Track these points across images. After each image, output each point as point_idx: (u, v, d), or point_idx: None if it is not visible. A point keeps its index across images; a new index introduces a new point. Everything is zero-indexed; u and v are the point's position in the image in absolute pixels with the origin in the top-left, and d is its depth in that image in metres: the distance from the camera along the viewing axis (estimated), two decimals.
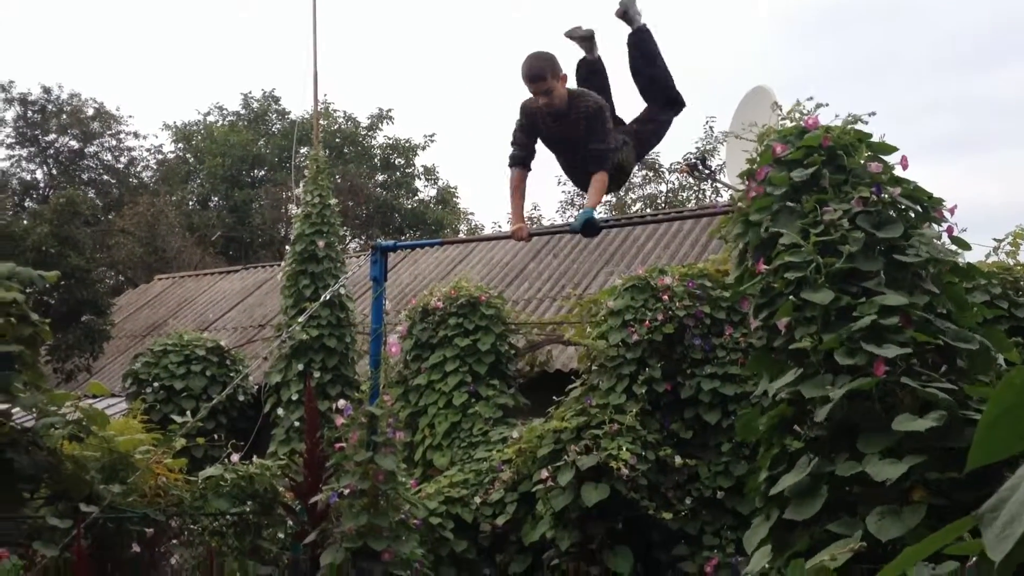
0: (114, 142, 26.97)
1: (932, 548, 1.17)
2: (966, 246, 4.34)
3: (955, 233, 4.32)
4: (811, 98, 4.85)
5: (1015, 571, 1.02)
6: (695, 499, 6.81)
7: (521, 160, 5.75)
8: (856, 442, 3.59)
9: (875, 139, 4.51)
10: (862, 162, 4.38)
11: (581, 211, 5.71)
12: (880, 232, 4.07)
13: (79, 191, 20.96)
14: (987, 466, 1.10)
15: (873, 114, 4.64)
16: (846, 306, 3.89)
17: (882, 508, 3.27)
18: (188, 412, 6.77)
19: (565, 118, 5.50)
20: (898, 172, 4.36)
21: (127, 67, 50.13)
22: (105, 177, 27.20)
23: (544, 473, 6.65)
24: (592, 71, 5.97)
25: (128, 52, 50.45)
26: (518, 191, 5.83)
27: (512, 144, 5.79)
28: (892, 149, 4.46)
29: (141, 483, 5.48)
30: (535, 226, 24.92)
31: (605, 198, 10.88)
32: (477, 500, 7.24)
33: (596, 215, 5.71)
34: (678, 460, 6.78)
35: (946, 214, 4.33)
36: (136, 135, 28.08)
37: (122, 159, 27.33)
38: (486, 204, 54.32)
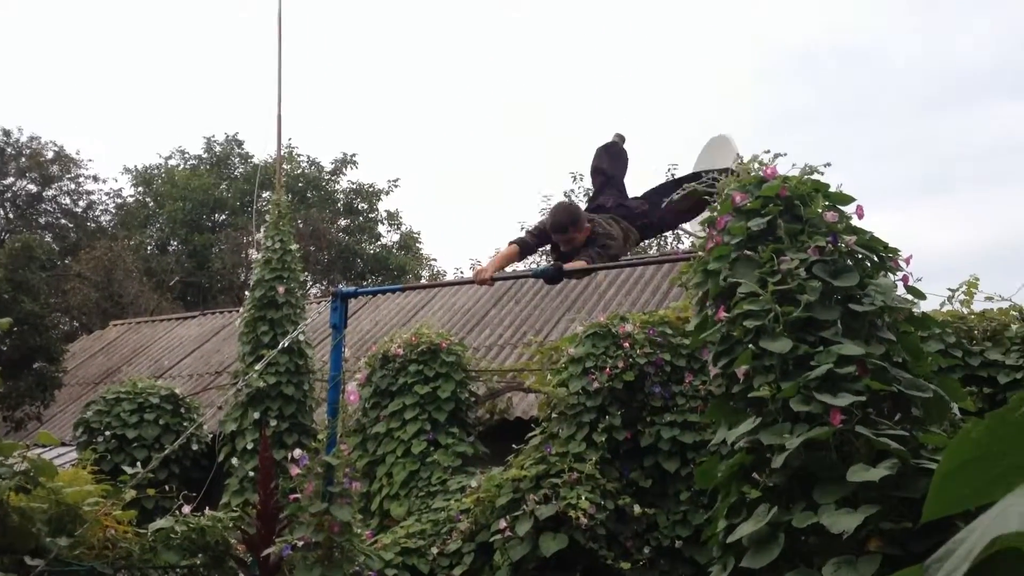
0: (73, 186, 26.76)
1: None
2: (921, 295, 4.37)
3: (910, 282, 4.36)
4: (768, 151, 4.92)
5: None
6: (653, 548, 6.76)
7: (524, 246, 6.33)
8: (813, 492, 3.58)
9: (833, 188, 4.55)
10: (819, 211, 4.42)
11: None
12: (836, 281, 4.10)
13: (36, 235, 20.72)
14: (942, 517, 1.09)
15: (828, 165, 4.71)
16: (804, 355, 3.90)
17: (838, 559, 3.25)
18: (139, 462, 6.64)
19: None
20: (855, 222, 4.41)
21: (88, 110, 49.99)
22: (63, 221, 26.96)
23: (502, 523, 6.58)
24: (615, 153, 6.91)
25: (89, 95, 50.30)
26: (504, 258, 6.32)
27: (526, 230, 6.48)
28: (849, 199, 4.50)
29: (89, 536, 5.33)
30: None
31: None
32: (434, 551, 7.13)
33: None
34: (637, 509, 6.74)
35: (901, 263, 4.37)
36: (96, 179, 27.83)
37: (81, 203, 27.13)
38: (448, 250, 54.41)
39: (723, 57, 48.85)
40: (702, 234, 4.78)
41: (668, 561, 6.75)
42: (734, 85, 49.30)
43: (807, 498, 3.60)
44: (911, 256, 4.38)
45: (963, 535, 1.01)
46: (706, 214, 4.86)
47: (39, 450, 6.04)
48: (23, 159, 25.95)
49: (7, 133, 25.89)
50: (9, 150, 26.00)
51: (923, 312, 4.36)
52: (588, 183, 27.43)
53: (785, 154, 5.09)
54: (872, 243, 4.34)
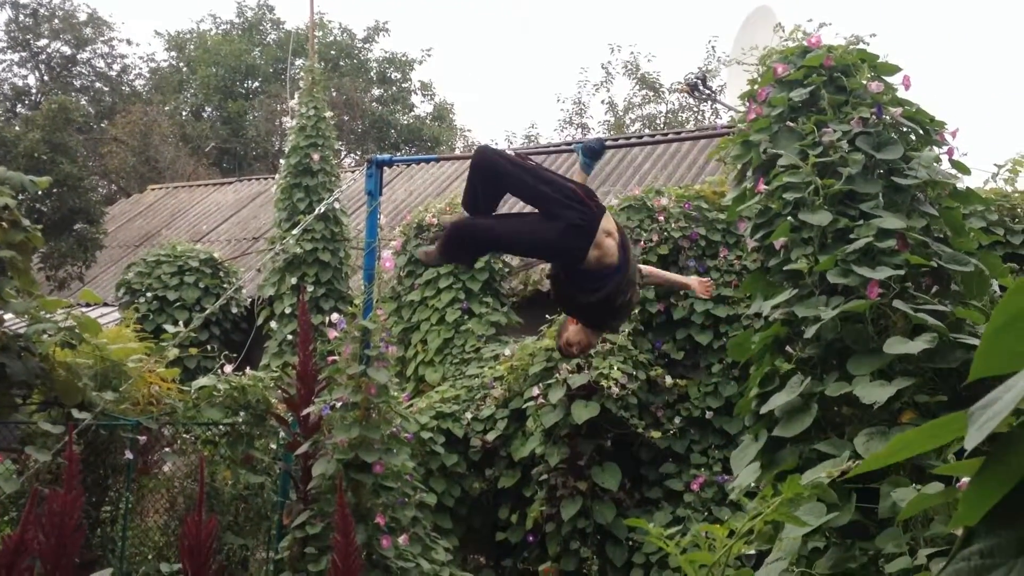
0: (106, 49, 26.56)
1: (924, 438, 1.15)
2: (966, 170, 4.28)
3: (955, 156, 4.27)
4: (811, 20, 4.77)
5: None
6: (684, 418, 6.88)
7: None
8: (847, 363, 3.60)
9: (879, 60, 4.42)
10: (864, 82, 4.31)
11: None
12: (879, 154, 4.03)
13: (71, 98, 20.66)
14: (977, 389, 1.07)
15: (874, 35, 4.56)
16: (844, 228, 3.87)
17: (870, 430, 3.29)
18: (181, 323, 6.76)
19: None
20: (901, 93, 4.30)
21: None
22: (98, 84, 26.85)
23: (535, 390, 6.70)
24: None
25: None
26: None
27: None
28: (895, 69, 4.38)
29: (134, 391, 5.50)
30: (532, 144, 24.67)
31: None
32: (468, 415, 7.30)
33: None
34: (668, 380, 6.83)
35: (947, 137, 4.28)
36: (129, 42, 27.62)
37: (115, 66, 26.97)
38: (483, 121, 53.78)
39: None
40: (742, 108, 4.68)
41: (698, 431, 6.88)
42: None
43: (841, 371, 3.62)
44: (958, 130, 4.28)
45: (1012, 382, 1.00)
46: (746, 88, 4.74)
47: (83, 309, 6.16)
48: (56, 21, 25.70)
49: None
50: (42, 11, 25.75)
51: (967, 187, 4.27)
52: (625, 56, 26.83)
53: (830, 23, 4.96)
54: (918, 115, 4.24)
